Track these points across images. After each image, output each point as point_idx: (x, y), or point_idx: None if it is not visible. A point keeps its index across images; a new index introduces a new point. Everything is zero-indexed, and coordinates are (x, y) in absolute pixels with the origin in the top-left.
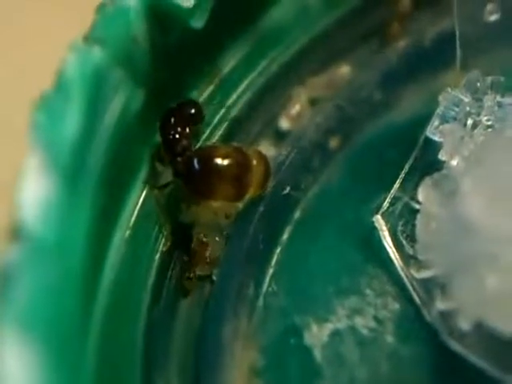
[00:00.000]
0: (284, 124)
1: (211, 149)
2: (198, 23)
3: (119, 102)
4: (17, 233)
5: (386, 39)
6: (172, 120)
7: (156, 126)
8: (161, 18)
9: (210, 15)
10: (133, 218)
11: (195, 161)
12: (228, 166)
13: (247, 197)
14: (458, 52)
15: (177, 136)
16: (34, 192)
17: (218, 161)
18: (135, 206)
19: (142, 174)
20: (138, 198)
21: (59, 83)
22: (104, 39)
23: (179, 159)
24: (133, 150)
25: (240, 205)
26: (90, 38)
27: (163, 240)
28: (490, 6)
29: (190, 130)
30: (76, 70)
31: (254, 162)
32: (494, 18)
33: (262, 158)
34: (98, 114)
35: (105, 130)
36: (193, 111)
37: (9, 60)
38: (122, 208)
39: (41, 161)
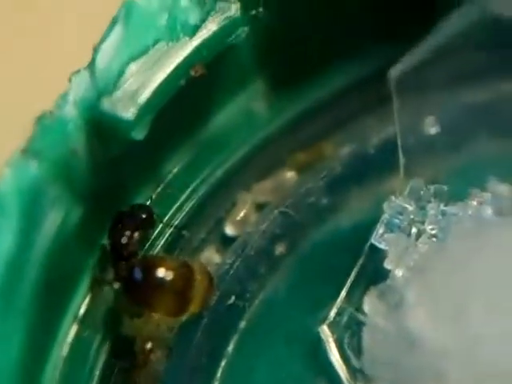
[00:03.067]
0: (229, 230)
1: (156, 260)
2: (139, 135)
3: (57, 216)
4: None
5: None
6: (122, 224)
7: (99, 233)
8: (101, 130)
9: (151, 126)
10: (71, 334)
11: (138, 270)
12: (171, 280)
13: (188, 312)
14: (401, 160)
15: (124, 241)
16: None
17: (161, 273)
18: (74, 321)
19: (83, 285)
20: (77, 312)
21: None
22: (41, 152)
23: (123, 263)
24: (73, 260)
25: (183, 317)
26: (27, 151)
27: (104, 355)
28: (429, 119)
29: (138, 235)
30: (11, 184)
31: (198, 278)
32: (434, 130)
33: (207, 273)
34: (34, 230)
35: (42, 246)
36: (144, 216)
37: None
38: (61, 323)
39: None
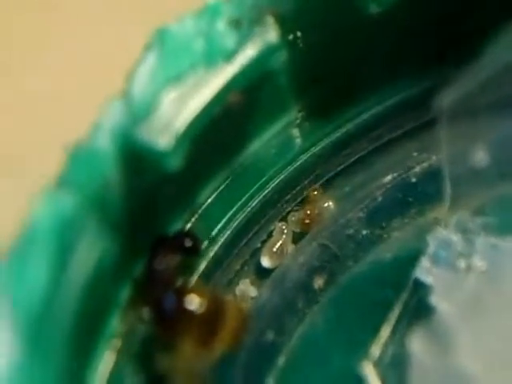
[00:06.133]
0: (265, 262)
1: (189, 290)
2: (174, 164)
3: (91, 247)
4: None
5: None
6: (162, 249)
7: (133, 263)
8: (136, 160)
9: (186, 155)
10: (106, 374)
11: (170, 298)
12: (200, 313)
13: (218, 347)
14: (447, 190)
15: (161, 267)
16: None
17: (192, 305)
18: (108, 360)
19: (116, 319)
20: (110, 351)
21: (27, 231)
22: (75, 184)
23: (156, 290)
24: (107, 291)
25: (218, 353)
26: (60, 183)
27: None
28: (477, 147)
29: (177, 262)
30: (45, 217)
31: (230, 314)
32: (482, 159)
33: (240, 310)
34: (69, 263)
35: (77, 278)
36: (189, 244)
37: None
38: (94, 362)
39: (3, 317)
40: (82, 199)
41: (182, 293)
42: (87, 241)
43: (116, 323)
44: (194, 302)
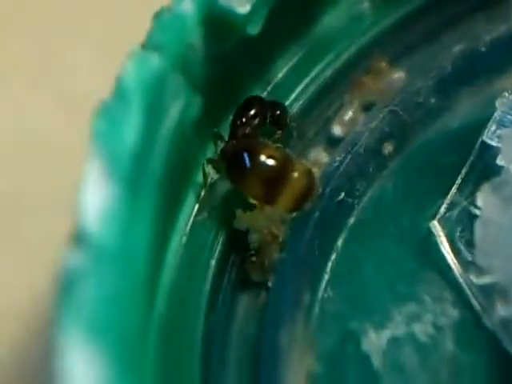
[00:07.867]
0: (337, 130)
1: (261, 145)
2: (253, 30)
3: (177, 107)
4: (79, 239)
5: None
6: (250, 106)
7: (213, 127)
8: (217, 25)
9: (265, 22)
10: (189, 224)
11: (242, 149)
12: (266, 166)
13: (278, 205)
14: None
15: (243, 120)
16: (96, 198)
17: (261, 158)
18: (191, 212)
19: (198, 180)
20: (193, 204)
21: (118, 90)
22: (161, 46)
23: (234, 142)
24: (189, 155)
25: (285, 211)
26: (147, 45)
27: (219, 246)
28: None
29: (259, 123)
30: (134, 76)
31: (295, 175)
32: None
33: (307, 175)
34: (157, 120)
35: (164, 136)
36: (277, 112)
37: None
38: (179, 214)
39: (102, 167)
40: (168, 60)
41: (256, 149)
42: (173, 99)
43: (200, 179)
44: (266, 158)
